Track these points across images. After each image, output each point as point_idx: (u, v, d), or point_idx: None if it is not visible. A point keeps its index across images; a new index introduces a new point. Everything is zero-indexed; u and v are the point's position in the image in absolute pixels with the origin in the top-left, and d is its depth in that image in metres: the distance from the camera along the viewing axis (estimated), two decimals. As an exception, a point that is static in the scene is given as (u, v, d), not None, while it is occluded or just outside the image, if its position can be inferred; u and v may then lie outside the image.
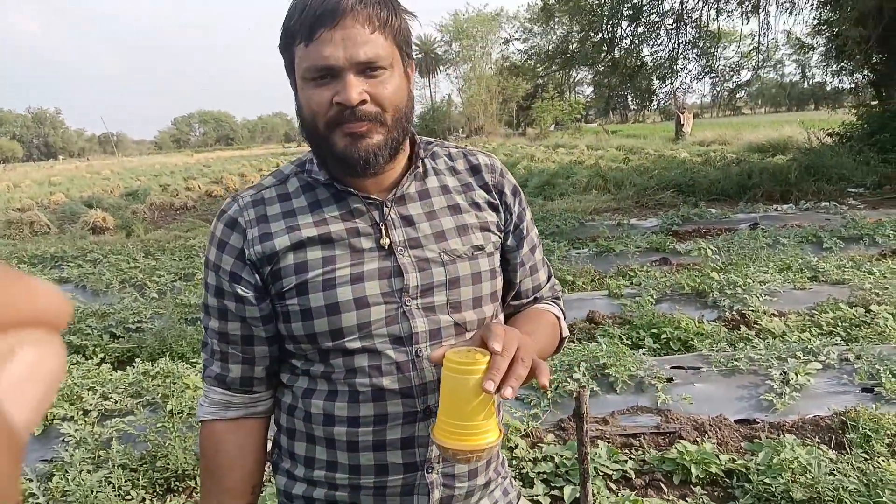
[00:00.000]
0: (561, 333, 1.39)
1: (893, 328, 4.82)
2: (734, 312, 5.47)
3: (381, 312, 1.17)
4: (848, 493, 2.96)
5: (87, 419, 4.01)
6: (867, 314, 5.08)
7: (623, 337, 5.12)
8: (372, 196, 1.22)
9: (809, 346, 4.39)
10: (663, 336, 5.07)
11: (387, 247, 1.20)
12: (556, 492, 3.27)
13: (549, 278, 1.45)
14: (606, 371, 4.27)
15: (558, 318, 1.39)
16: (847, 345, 4.54)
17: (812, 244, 7.65)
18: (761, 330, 5.10)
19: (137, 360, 4.80)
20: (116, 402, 4.15)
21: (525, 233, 1.35)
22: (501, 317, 1.36)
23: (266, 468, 1.36)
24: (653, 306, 5.64)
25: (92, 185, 25.93)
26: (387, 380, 1.17)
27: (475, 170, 1.33)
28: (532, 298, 1.41)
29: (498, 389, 0.98)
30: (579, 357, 4.44)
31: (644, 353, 4.68)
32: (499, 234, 1.31)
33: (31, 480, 3.44)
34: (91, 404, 4.12)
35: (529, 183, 15.45)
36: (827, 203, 10.63)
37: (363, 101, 1.11)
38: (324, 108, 1.13)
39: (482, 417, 1.01)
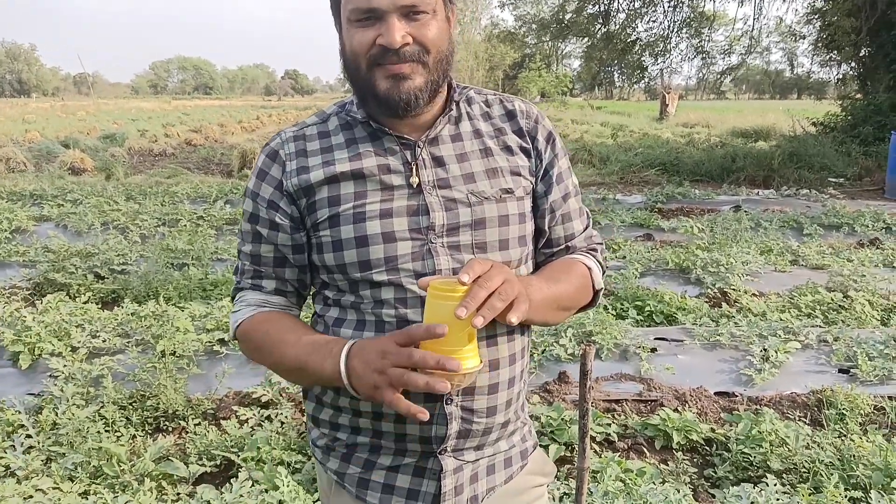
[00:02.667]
0: (594, 285, 1.40)
1: (870, 314, 4.96)
2: (716, 290, 5.58)
3: (407, 248, 1.22)
4: (824, 466, 3.08)
5: (75, 356, 4.00)
6: (845, 299, 5.22)
7: (608, 307, 5.20)
8: (405, 136, 1.26)
9: (790, 326, 4.51)
10: (647, 309, 5.16)
11: (415, 185, 1.24)
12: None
13: (584, 228, 1.44)
14: (592, 338, 4.35)
15: (590, 268, 1.39)
16: (826, 327, 4.67)
17: (793, 229, 7.80)
18: (742, 308, 5.21)
19: (125, 301, 4.78)
20: (105, 340, 4.14)
21: (556, 180, 1.36)
22: (530, 263, 1.37)
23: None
24: (637, 279, 5.73)
25: (67, 126, 25.35)
26: (411, 312, 1.22)
27: (510, 115, 1.35)
28: (564, 247, 1.41)
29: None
30: (567, 324, 4.51)
31: (629, 324, 4.77)
32: (530, 179, 1.33)
33: (19, 413, 3.44)
34: (79, 342, 4.11)
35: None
36: (807, 191, 10.80)
37: (405, 44, 1.15)
38: (365, 49, 1.17)
39: (459, 343, 1.06)
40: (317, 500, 2.67)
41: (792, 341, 4.30)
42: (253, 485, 2.71)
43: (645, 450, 3.40)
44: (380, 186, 1.24)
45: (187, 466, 3.09)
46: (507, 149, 1.32)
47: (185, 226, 7.61)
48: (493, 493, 1.35)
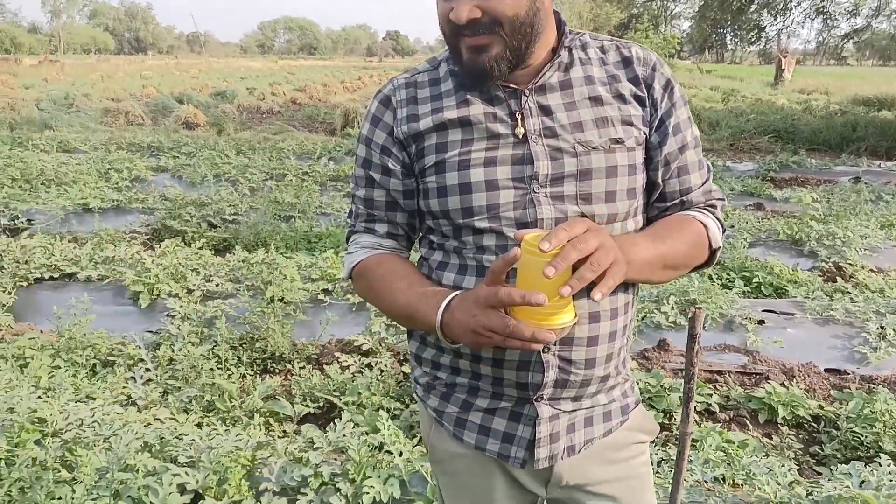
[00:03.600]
0: (711, 244, 1.33)
1: None
2: (831, 264, 5.30)
3: (509, 196, 1.21)
4: (943, 451, 2.91)
5: (190, 298, 4.23)
6: (976, 279, 4.85)
7: (713, 277, 5.04)
8: (511, 85, 1.24)
9: (912, 305, 4.25)
10: (755, 280, 4.96)
11: (521, 136, 1.22)
12: (639, 415, 3.31)
13: (703, 183, 1.36)
14: (697, 307, 4.22)
15: (706, 226, 1.32)
16: (952, 307, 4.36)
17: (919, 204, 7.28)
18: (859, 284, 4.93)
19: (236, 248, 5.00)
20: (218, 284, 4.36)
21: (672, 130, 1.29)
22: (640, 217, 1.32)
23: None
24: (746, 249, 5.51)
25: (181, 83, 26.48)
26: None
27: (626, 62, 1.30)
28: (679, 202, 1.34)
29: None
30: (668, 290, 4.40)
31: (735, 294, 4.60)
32: (643, 129, 1.27)
33: (139, 348, 3.68)
34: (195, 284, 4.34)
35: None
36: (937, 163, 10.04)
37: (473, 18, 1.15)
38: (445, 20, 1.19)
39: (553, 300, 1.04)
40: (416, 446, 2.75)
41: (914, 320, 4.04)
42: (355, 427, 2.80)
43: (748, 422, 3.31)
44: (486, 135, 1.23)
45: (293, 406, 3.24)
46: (620, 97, 1.27)
47: (291, 180, 7.86)
48: (591, 445, 1.34)
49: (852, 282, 4.99)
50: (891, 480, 2.41)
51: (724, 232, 1.39)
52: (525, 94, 1.24)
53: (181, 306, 4.04)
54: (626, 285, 1.29)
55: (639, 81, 1.29)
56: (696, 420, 3.28)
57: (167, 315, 4.06)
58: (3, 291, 4.33)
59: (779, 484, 2.47)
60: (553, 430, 1.29)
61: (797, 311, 4.29)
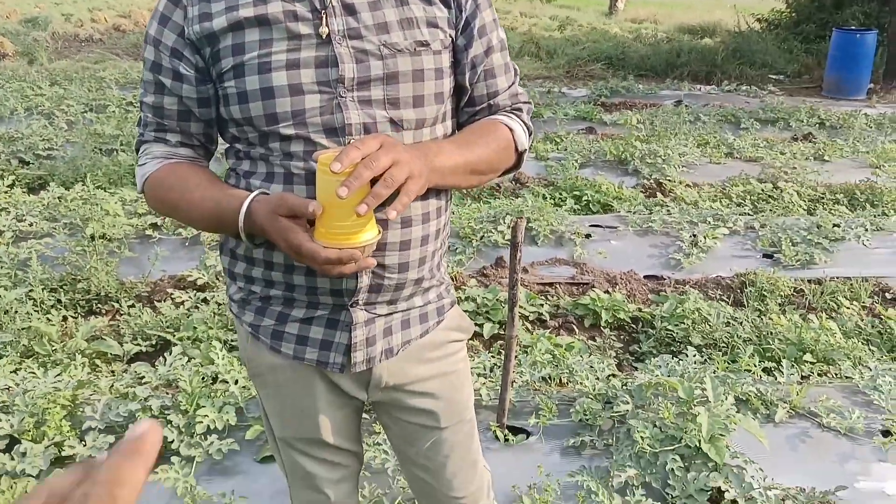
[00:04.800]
0: (517, 147, 1.38)
1: (797, 203, 5.14)
2: (652, 181, 5.68)
3: (315, 101, 1.18)
4: (741, 341, 3.26)
5: (2, 239, 3.87)
6: (775, 190, 5.39)
7: (547, 196, 5.26)
8: None
9: (720, 214, 4.65)
10: (584, 199, 5.24)
11: (325, 36, 1.17)
12: (476, 328, 3.44)
13: (509, 86, 1.39)
14: (529, 225, 4.41)
15: (512, 130, 1.35)
16: (754, 215, 4.83)
17: (731, 124, 7.90)
18: (676, 198, 5.33)
19: (51, 185, 4.60)
20: (32, 224, 4.01)
21: (478, 33, 1.29)
22: (449, 123, 1.33)
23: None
24: (576, 170, 5.78)
25: (-16, 7, 23.51)
26: None
27: None
28: (486, 105, 1.36)
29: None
30: (504, 210, 4.55)
31: (565, 212, 4.84)
32: (448, 31, 1.26)
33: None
34: (4, 225, 3.97)
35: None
36: (748, 87, 10.90)
37: None
38: None
39: (350, 217, 1.06)
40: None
41: (720, 228, 4.44)
42: (188, 361, 2.72)
43: (575, 328, 3.53)
44: (286, 35, 1.17)
45: (122, 346, 3.08)
46: None
47: (114, 112, 7.28)
48: (408, 347, 1.37)
49: (671, 196, 5.39)
50: (694, 369, 2.68)
51: (530, 135, 1.43)
52: None
53: (-11, 249, 3.69)
54: (438, 190, 1.30)
55: None
56: (527, 328, 3.46)
57: (-27, 259, 3.70)
58: None
59: (598, 378, 2.68)
60: (369, 333, 1.31)
61: (620, 225, 4.59)
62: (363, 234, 1.09)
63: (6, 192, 4.50)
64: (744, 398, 2.68)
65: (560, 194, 5.32)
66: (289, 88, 1.17)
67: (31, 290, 3.35)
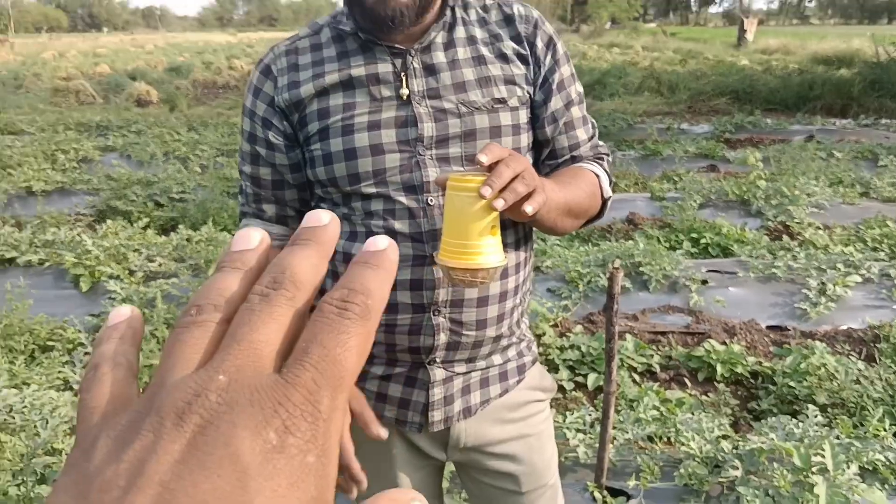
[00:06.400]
0: (602, 194, 1.35)
1: (942, 248, 4.70)
2: (778, 223, 5.37)
3: (395, 161, 1.21)
4: (871, 402, 2.98)
5: (132, 279, 4.16)
6: (916, 233, 4.95)
7: (661, 239, 5.07)
8: (397, 45, 1.22)
9: (851, 259, 4.32)
10: (703, 241, 5.01)
11: (405, 97, 1.21)
12: (580, 378, 3.34)
13: (590, 138, 1.38)
14: (641, 269, 4.26)
15: (598, 175, 1.34)
16: (890, 261, 4.45)
17: (867, 161, 7.38)
18: (804, 241, 5.01)
19: (181, 227, 4.92)
20: (161, 264, 4.29)
21: (556, 87, 1.30)
22: None
23: None
24: (695, 211, 5.56)
25: (136, 59, 25.81)
26: (398, 223, 1.21)
27: (508, 20, 1.30)
28: (569, 157, 1.35)
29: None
30: (614, 253, 4.43)
31: (680, 255, 4.65)
32: (526, 87, 1.28)
33: (79, 332, 3.62)
34: (136, 265, 4.27)
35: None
36: (888, 121, 10.18)
37: None
38: None
39: (481, 236, 1.02)
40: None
41: (852, 275, 4.11)
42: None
43: (687, 381, 3.35)
44: (369, 98, 1.22)
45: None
46: (503, 56, 1.27)
47: (243, 155, 7.73)
48: (487, 406, 1.35)
49: (798, 240, 5.06)
50: (816, 431, 2.47)
51: (612, 183, 1.41)
52: (411, 55, 1.22)
53: (122, 288, 3.97)
54: (518, 242, 1.30)
55: (521, 39, 1.29)
56: (635, 380, 3.32)
57: (108, 297, 3.99)
58: (-61, 279, 4.21)
59: (706, 439, 2.51)
60: (447, 392, 1.30)
61: (740, 270, 4.34)
62: (491, 255, 1.04)
63: (140, 233, 4.84)
64: (870, 467, 2.43)
65: (676, 236, 5.12)
66: (370, 149, 1.21)
67: (155, 330, 3.56)
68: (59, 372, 3.26)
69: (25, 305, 3.77)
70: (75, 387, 3.14)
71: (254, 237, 0.34)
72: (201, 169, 7.37)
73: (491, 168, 1.03)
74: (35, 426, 2.50)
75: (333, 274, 1.29)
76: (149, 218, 5.47)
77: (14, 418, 2.58)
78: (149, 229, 5.01)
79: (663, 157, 7.73)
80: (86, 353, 3.42)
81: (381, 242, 0.33)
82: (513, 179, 1.02)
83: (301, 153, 1.30)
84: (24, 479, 2.24)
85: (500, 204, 1.00)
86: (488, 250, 1.03)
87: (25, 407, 2.65)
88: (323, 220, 0.34)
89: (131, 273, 4.23)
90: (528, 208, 1.05)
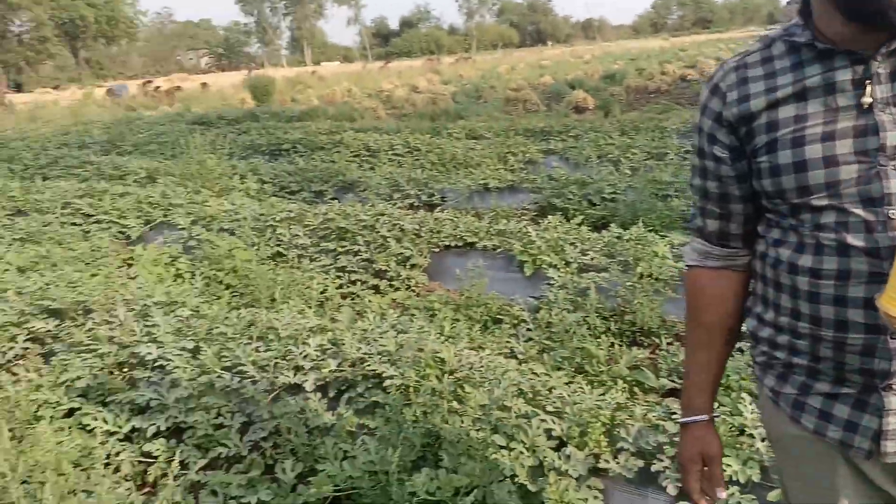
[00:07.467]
0: None
1: None
2: None
3: (851, 172, 1.14)
4: None
5: (568, 269, 4.57)
6: None
7: None
8: (859, 51, 1.14)
9: None
10: None
11: (867, 105, 1.13)
12: None
13: None
14: None
15: None
16: None
17: None
18: None
19: (612, 225, 5.22)
20: (593, 258, 4.62)
21: None
22: None
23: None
24: None
25: (575, 69, 27.71)
26: (852, 237, 1.14)
27: None
28: None
29: None
30: None
31: None
32: None
33: (523, 310, 4.13)
34: (572, 257, 4.67)
35: None
36: None
37: None
38: None
39: None
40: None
41: None
42: (718, 406, 2.79)
43: None
44: (823, 108, 1.17)
45: (658, 379, 3.33)
46: None
47: (672, 159, 7.82)
48: None
49: None
50: None
51: None
52: (877, 60, 1.14)
53: (559, 276, 4.39)
54: None
55: None
56: None
57: (547, 283, 4.45)
58: (421, 255, 5.18)
59: None
60: None
61: None
62: None
63: (576, 229, 5.26)
64: None
65: None
66: (823, 161, 1.16)
67: (586, 316, 3.87)
68: (507, 342, 3.78)
69: (483, 283, 4.43)
70: (519, 356, 3.61)
71: None
72: (632, 171, 7.67)
73: None
74: (490, 384, 2.95)
75: (776, 284, 1.28)
76: (583, 215, 5.92)
77: (474, 374, 3.07)
78: (583, 226, 5.42)
79: None
80: (527, 329, 3.89)
81: None
82: None
83: (748, 164, 1.30)
84: (482, 426, 2.67)
85: None
86: None
87: (482, 367, 3.13)
88: None
89: (567, 264, 4.64)
90: None
